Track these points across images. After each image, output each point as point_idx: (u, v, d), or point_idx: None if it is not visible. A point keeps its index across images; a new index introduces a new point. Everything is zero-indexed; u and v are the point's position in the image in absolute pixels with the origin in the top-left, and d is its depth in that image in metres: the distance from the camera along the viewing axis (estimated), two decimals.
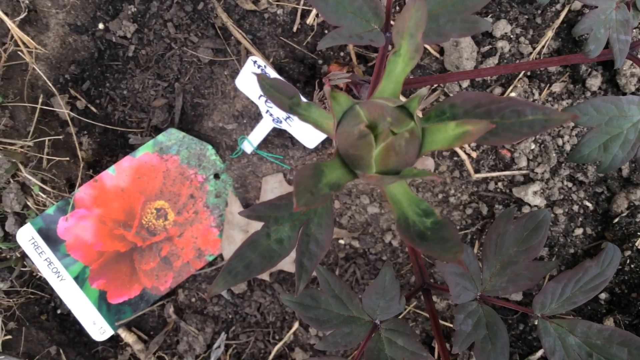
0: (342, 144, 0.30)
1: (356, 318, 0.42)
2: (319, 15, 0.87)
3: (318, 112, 0.32)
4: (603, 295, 0.82)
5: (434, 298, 0.82)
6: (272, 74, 0.79)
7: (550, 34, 0.85)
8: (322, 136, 0.80)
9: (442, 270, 0.41)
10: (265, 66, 0.79)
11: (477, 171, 0.87)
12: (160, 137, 0.86)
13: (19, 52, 0.84)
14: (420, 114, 0.85)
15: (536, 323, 0.70)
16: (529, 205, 0.85)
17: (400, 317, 0.47)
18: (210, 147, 0.87)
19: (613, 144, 0.50)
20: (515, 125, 0.30)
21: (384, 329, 0.42)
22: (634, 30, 0.82)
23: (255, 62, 0.79)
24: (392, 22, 0.36)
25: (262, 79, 0.32)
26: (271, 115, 0.81)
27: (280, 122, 0.81)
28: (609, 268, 0.44)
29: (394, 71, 0.31)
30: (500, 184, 0.87)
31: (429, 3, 0.34)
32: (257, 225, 0.88)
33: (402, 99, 0.62)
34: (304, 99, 0.35)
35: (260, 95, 0.80)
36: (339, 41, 0.32)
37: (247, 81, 0.80)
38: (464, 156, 0.86)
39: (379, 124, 0.29)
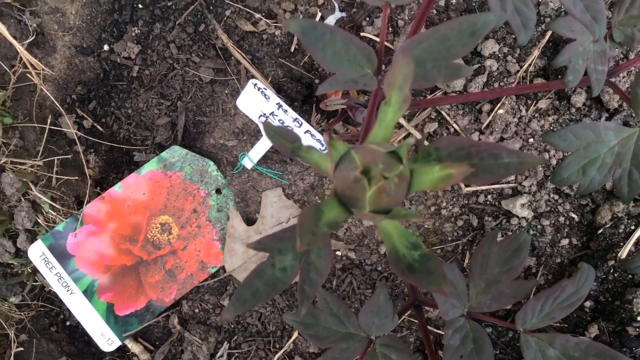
0: (339, 186, 0.34)
1: (353, 334, 0.46)
2: None
3: (317, 154, 0.35)
4: (588, 304, 0.86)
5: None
6: (272, 96, 0.83)
7: (536, 52, 0.89)
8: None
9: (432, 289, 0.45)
10: (265, 88, 0.83)
11: (467, 185, 0.90)
12: (164, 154, 0.89)
13: (28, 74, 0.88)
14: (412, 129, 0.89)
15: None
16: (517, 217, 0.89)
17: (395, 324, 0.51)
18: (212, 163, 0.91)
19: (591, 168, 0.54)
20: (493, 167, 0.33)
21: (379, 344, 0.46)
22: (616, 55, 0.86)
23: (255, 84, 0.83)
24: (383, 66, 0.40)
25: (267, 126, 0.36)
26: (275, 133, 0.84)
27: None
28: (584, 286, 0.48)
29: (385, 119, 0.35)
30: (489, 196, 0.90)
31: (417, 50, 0.38)
32: (257, 239, 0.92)
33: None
34: (304, 142, 0.38)
35: (260, 115, 0.84)
36: (336, 87, 0.36)
37: (248, 102, 0.84)
38: None
39: (372, 169, 0.33)
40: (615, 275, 0.86)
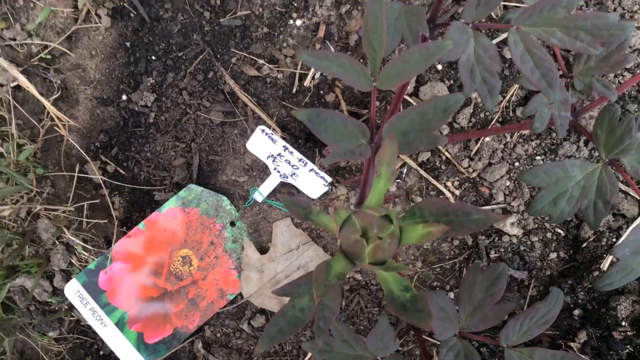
0: (344, 244, 0.42)
1: (362, 356, 0.54)
2: (314, 79, 1.00)
3: (326, 218, 0.44)
4: (577, 312, 0.94)
5: None
6: (278, 140, 0.91)
7: (517, 85, 0.97)
8: (324, 189, 0.92)
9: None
10: (272, 133, 0.91)
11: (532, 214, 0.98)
12: (182, 192, 0.98)
13: (55, 127, 0.96)
14: (407, 159, 0.97)
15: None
16: (508, 234, 0.97)
17: (397, 346, 0.58)
18: (225, 198, 0.99)
19: (561, 200, 0.62)
20: (465, 223, 0.41)
21: None
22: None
23: (263, 130, 0.92)
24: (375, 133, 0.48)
25: (285, 199, 0.44)
26: (279, 172, 0.93)
27: (287, 177, 0.93)
28: (554, 308, 0.56)
29: (378, 188, 0.43)
30: None
31: (402, 123, 0.46)
32: (270, 266, 1.00)
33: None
34: (314, 208, 0.46)
35: (269, 156, 0.92)
36: (337, 158, 0.44)
37: (257, 145, 0.92)
38: (448, 194, 0.98)
39: (369, 231, 0.41)
40: None
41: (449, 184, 0.99)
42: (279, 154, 0.91)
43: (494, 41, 0.96)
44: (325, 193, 0.96)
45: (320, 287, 0.38)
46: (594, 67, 0.61)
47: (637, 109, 0.94)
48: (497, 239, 0.98)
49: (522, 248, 0.98)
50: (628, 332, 0.91)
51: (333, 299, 0.43)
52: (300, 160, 0.91)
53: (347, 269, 0.41)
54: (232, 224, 0.99)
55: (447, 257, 0.99)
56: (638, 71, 0.94)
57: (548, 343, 0.94)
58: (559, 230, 0.97)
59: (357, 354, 0.54)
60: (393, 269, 0.39)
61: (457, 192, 0.99)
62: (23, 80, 0.89)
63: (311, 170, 0.90)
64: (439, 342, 0.96)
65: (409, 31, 0.49)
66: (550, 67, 0.50)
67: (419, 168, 0.98)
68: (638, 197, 0.67)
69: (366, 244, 0.40)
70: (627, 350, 0.91)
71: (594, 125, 0.62)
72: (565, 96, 0.61)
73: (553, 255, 0.97)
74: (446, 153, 0.98)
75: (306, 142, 0.98)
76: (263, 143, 0.92)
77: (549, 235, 0.97)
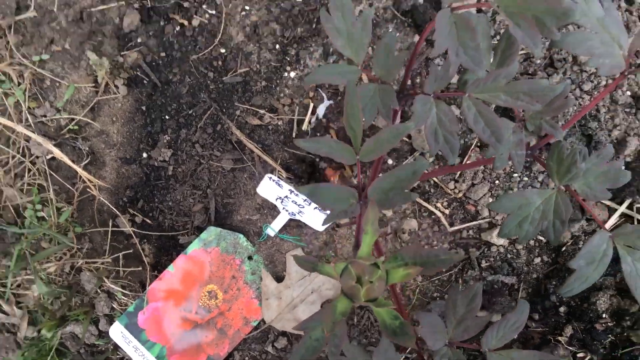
0: (344, 287, 0.54)
1: None
2: (311, 123, 1.12)
3: (329, 268, 0.56)
4: (562, 309, 1.06)
5: None
6: (284, 185, 1.04)
7: None
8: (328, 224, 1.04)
9: (421, 332, 0.65)
10: (278, 179, 1.04)
11: (451, 224, 1.10)
12: (203, 234, 1.10)
13: (87, 188, 1.09)
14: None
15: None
16: (495, 245, 1.09)
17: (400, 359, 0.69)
18: (241, 236, 1.11)
19: (525, 223, 0.74)
20: (435, 263, 0.53)
21: None
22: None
23: (270, 177, 1.04)
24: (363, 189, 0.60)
25: (296, 258, 0.56)
26: (287, 211, 1.05)
27: (295, 215, 1.06)
28: (522, 316, 0.68)
29: (366, 241, 0.55)
30: (470, 231, 1.10)
31: (383, 185, 0.58)
32: (287, 293, 1.12)
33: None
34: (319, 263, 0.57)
35: (277, 198, 1.05)
36: (334, 219, 0.56)
37: (266, 190, 1.05)
38: (439, 214, 1.10)
39: (362, 277, 0.52)
40: None
41: (439, 204, 1.11)
42: (286, 196, 1.04)
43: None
44: (330, 227, 1.08)
45: (329, 324, 0.50)
46: (542, 111, 0.73)
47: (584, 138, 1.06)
48: (486, 249, 1.10)
49: (509, 256, 1.09)
50: (608, 324, 1.02)
51: (340, 330, 0.55)
52: (305, 200, 1.03)
53: (348, 307, 0.53)
54: (250, 258, 1.11)
55: (444, 270, 1.11)
56: (576, 110, 1.06)
57: (539, 339, 1.05)
58: (540, 238, 1.09)
59: None
60: (383, 305, 0.51)
61: (447, 212, 1.11)
62: (57, 152, 1.02)
63: (315, 208, 1.03)
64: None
65: (382, 106, 0.62)
66: (498, 126, 0.62)
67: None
68: (590, 215, 0.79)
69: (361, 287, 0.52)
70: (609, 339, 1.02)
71: (546, 158, 0.74)
72: (520, 137, 0.73)
73: (537, 260, 1.09)
74: (434, 178, 1.10)
75: (309, 181, 1.10)
76: (271, 188, 1.05)
77: (531, 242, 1.09)
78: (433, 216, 1.11)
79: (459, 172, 1.09)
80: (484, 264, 1.09)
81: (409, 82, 0.65)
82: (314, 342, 0.57)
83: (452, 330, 0.67)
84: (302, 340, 0.58)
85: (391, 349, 0.64)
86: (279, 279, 1.12)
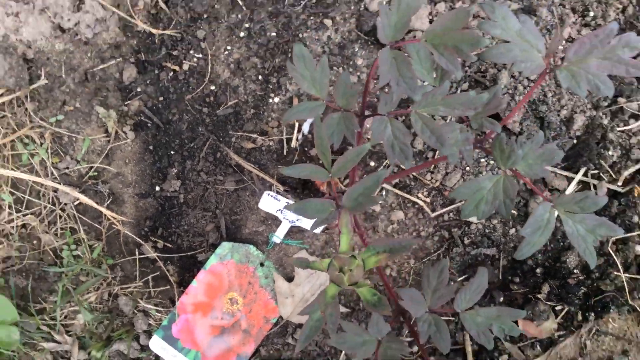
0: (330, 276, 0.69)
1: (368, 340, 0.80)
2: (298, 140, 1.28)
3: (318, 264, 0.71)
4: (539, 270, 1.20)
5: None
6: (282, 199, 1.20)
7: None
8: (322, 227, 1.20)
9: (403, 304, 0.80)
10: (275, 195, 1.20)
11: (433, 210, 1.25)
12: (218, 250, 1.26)
13: (112, 225, 1.25)
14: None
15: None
16: (474, 223, 1.24)
17: (389, 328, 0.83)
18: (252, 246, 1.27)
19: (481, 204, 0.89)
20: (400, 249, 0.68)
21: (384, 342, 0.81)
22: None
23: (268, 194, 1.20)
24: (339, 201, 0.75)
25: (294, 261, 0.72)
26: (287, 219, 1.21)
27: (294, 222, 1.21)
28: (482, 280, 0.83)
29: (343, 239, 0.70)
30: (451, 214, 1.25)
31: (354, 193, 0.73)
32: (298, 290, 1.27)
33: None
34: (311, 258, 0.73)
35: (277, 210, 1.20)
36: (318, 226, 0.71)
37: (266, 205, 1.21)
38: (421, 203, 1.25)
39: (344, 267, 0.67)
40: (552, 245, 1.21)
41: (420, 195, 1.26)
42: (285, 207, 1.19)
43: None
44: (324, 230, 1.24)
45: (323, 306, 0.65)
46: (481, 112, 0.88)
47: (524, 129, 1.21)
48: (466, 228, 1.24)
49: (487, 231, 1.24)
50: (579, 277, 1.17)
51: (334, 310, 0.70)
52: None
53: (336, 291, 0.68)
54: (262, 264, 1.27)
55: (432, 250, 1.26)
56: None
57: (522, 299, 1.20)
58: (513, 211, 1.24)
59: (364, 339, 0.81)
60: (363, 286, 0.66)
61: (428, 200, 1.26)
62: (82, 198, 1.18)
63: None
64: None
65: (347, 131, 0.77)
66: (441, 132, 0.77)
67: (394, 189, 1.25)
68: (535, 191, 0.93)
69: (344, 275, 0.67)
70: (582, 291, 1.17)
71: (492, 148, 0.89)
72: (467, 135, 0.89)
73: (512, 231, 1.24)
74: (413, 173, 1.25)
75: (303, 191, 1.26)
76: (270, 203, 1.20)
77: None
78: (417, 205, 1.25)
79: (433, 165, 1.24)
80: (466, 241, 1.24)
81: (369, 106, 0.81)
82: (315, 322, 0.72)
83: (430, 299, 0.82)
84: (306, 322, 0.73)
85: (381, 320, 0.79)
86: (290, 279, 1.27)
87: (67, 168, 1.24)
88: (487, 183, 0.89)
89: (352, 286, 0.68)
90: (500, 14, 0.84)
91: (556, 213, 0.87)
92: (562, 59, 0.84)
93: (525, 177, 0.89)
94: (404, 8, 0.72)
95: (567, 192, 1.20)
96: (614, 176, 1.19)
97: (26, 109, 1.22)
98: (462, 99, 0.76)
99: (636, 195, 1.18)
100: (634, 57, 0.84)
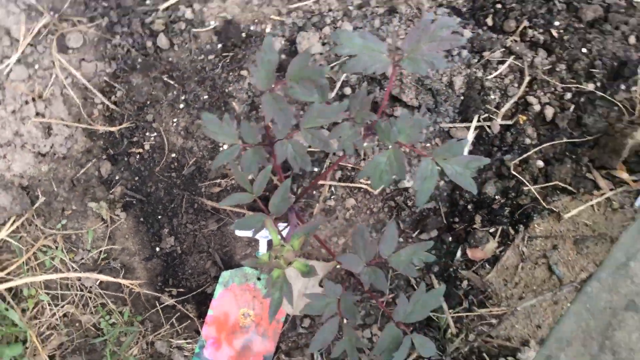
0: (271, 264, 0.96)
1: (330, 301, 1.09)
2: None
3: (262, 260, 0.98)
4: (470, 206, 1.47)
5: None
6: None
7: None
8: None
9: (344, 266, 1.07)
10: None
11: (373, 189, 1.53)
12: (220, 280, 1.53)
13: (131, 289, 1.54)
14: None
15: None
16: (410, 187, 1.51)
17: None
18: (246, 267, 1.54)
19: (383, 176, 1.16)
20: (312, 229, 0.94)
21: (342, 298, 1.08)
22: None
23: None
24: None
25: (248, 263, 0.99)
26: (262, 237, 1.49)
27: (268, 237, 1.49)
28: (392, 231, 1.10)
29: (273, 237, 0.97)
30: (390, 187, 1.52)
31: (276, 200, 1.00)
32: (294, 288, 1.54)
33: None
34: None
35: (252, 232, 1.49)
36: (256, 234, 0.99)
37: (241, 232, 1.49)
38: (365, 186, 1.53)
39: (278, 254, 0.94)
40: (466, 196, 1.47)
41: (362, 180, 1.53)
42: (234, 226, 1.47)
43: None
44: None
45: (274, 283, 0.92)
46: (359, 109, 1.16)
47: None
48: (405, 193, 1.51)
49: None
50: (501, 201, 1.43)
51: (285, 285, 0.97)
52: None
53: (280, 272, 0.95)
54: (258, 279, 1.54)
55: (387, 219, 1.52)
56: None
57: (464, 233, 1.47)
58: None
59: (326, 301, 1.08)
60: (295, 263, 0.94)
61: (369, 182, 1.53)
62: (102, 277, 1.47)
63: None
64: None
65: (260, 159, 1.05)
66: (325, 139, 1.05)
67: (339, 183, 1.53)
68: (417, 152, 1.19)
69: (279, 260, 0.94)
70: (506, 211, 1.43)
71: (377, 130, 1.17)
72: (354, 129, 1.16)
73: (442, 183, 1.51)
74: (349, 165, 1.52)
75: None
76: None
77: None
78: (362, 189, 1.53)
79: (362, 153, 1.52)
80: (409, 203, 1.51)
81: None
82: (278, 299, 1.00)
83: (364, 257, 1.09)
84: (270, 300, 1.00)
85: (334, 285, 1.06)
86: None
87: (82, 259, 1.53)
88: (382, 159, 1.16)
89: (289, 265, 0.95)
90: (345, 38, 1.12)
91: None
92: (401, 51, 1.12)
93: (408, 145, 1.16)
94: (267, 64, 1.00)
95: (468, 139, 1.47)
96: (501, 114, 1.46)
97: (36, 225, 1.51)
98: (330, 109, 1.04)
99: (521, 122, 1.45)
100: (452, 33, 1.12)
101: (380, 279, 1.06)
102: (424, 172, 1.13)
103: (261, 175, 1.00)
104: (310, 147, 1.12)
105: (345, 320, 1.06)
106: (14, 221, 1.48)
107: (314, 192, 1.53)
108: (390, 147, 1.17)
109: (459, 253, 1.46)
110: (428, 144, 1.48)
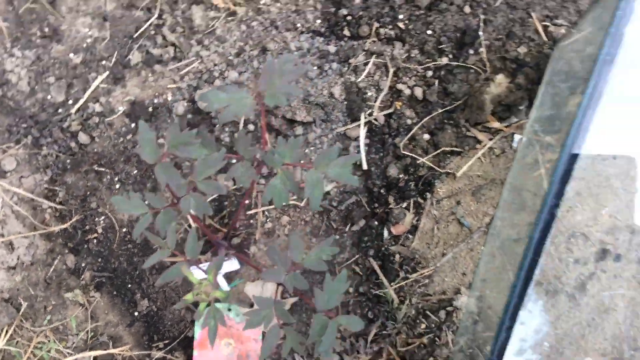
0: (198, 299, 1.16)
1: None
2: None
3: (188, 298, 1.18)
4: (382, 191, 1.67)
5: None
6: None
7: None
8: (236, 266, 1.67)
9: (268, 280, 1.27)
10: (199, 265, 1.68)
11: (301, 200, 1.73)
12: (196, 322, 1.73)
13: (124, 357, 1.73)
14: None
15: None
16: (330, 189, 1.71)
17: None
18: (216, 304, 1.74)
19: (281, 194, 1.37)
20: (219, 263, 1.15)
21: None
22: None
23: (194, 268, 1.69)
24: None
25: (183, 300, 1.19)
26: (220, 274, 1.69)
27: (224, 272, 1.69)
28: (299, 243, 1.30)
29: (209, 275, 1.18)
30: None
31: (189, 246, 1.21)
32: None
33: None
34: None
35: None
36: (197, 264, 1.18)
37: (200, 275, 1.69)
38: (292, 202, 1.73)
39: (200, 290, 1.15)
40: (379, 173, 1.68)
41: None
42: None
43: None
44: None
45: (208, 313, 1.13)
46: (244, 153, 1.37)
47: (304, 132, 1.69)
48: (326, 195, 1.72)
49: (342, 189, 1.71)
50: (404, 178, 1.64)
51: (218, 316, 1.17)
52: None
53: (204, 306, 1.16)
54: (229, 309, 1.74)
55: (321, 225, 1.73)
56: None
57: (385, 214, 1.67)
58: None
59: (264, 313, 1.28)
60: (216, 293, 1.14)
61: (296, 196, 1.73)
62: (95, 353, 1.67)
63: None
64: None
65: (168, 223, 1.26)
66: (202, 202, 1.26)
67: (270, 207, 1.73)
68: (303, 166, 1.42)
69: (202, 294, 1.15)
70: (412, 184, 1.64)
71: (265, 161, 1.37)
72: (248, 167, 1.37)
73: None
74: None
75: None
76: (200, 273, 1.69)
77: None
78: (290, 205, 1.73)
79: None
80: (334, 204, 1.72)
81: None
82: (214, 326, 1.20)
83: (283, 267, 1.29)
84: (207, 330, 1.21)
85: (266, 298, 1.26)
86: (251, 304, 1.74)
87: (74, 343, 1.73)
88: (276, 182, 1.37)
89: (210, 298, 1.15)
90: (213, 97, 1.33)
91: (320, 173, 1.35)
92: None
93: (294, 163, 1.37)
94: (148, 142, 1.21)
95: (360, 137, 1.68)
96: (378, 106, 1.67)
97: (27, 327, 1.71)
98: (213, 159, 1.25)
99: (399, 107, 1.66)
100: (295, 65, 1.34)
101: (300, 282, 1.27)
102: (312, 182, 1.34)
103: (169, 231, 1.21)
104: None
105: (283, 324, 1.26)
106: (6, 331, 1.68)
107: (251, 221, 1.73)
108: (279, 170, 1.38)
109: (385, 233, 1.66)
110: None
